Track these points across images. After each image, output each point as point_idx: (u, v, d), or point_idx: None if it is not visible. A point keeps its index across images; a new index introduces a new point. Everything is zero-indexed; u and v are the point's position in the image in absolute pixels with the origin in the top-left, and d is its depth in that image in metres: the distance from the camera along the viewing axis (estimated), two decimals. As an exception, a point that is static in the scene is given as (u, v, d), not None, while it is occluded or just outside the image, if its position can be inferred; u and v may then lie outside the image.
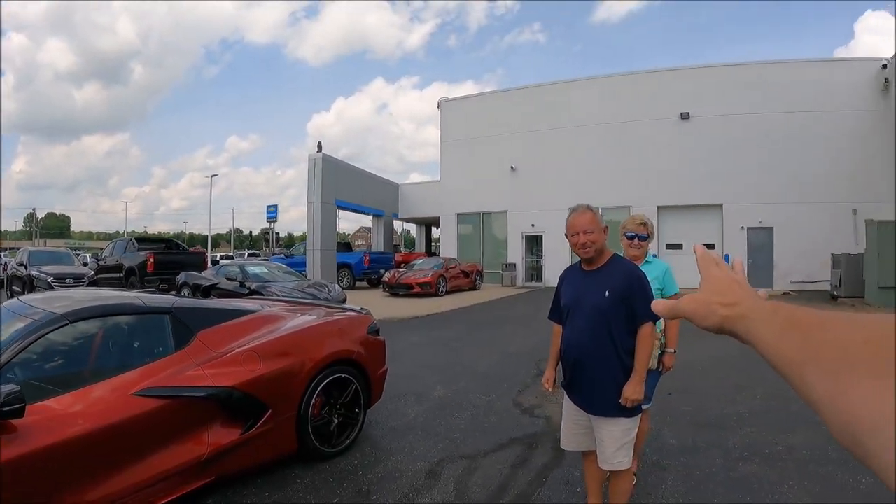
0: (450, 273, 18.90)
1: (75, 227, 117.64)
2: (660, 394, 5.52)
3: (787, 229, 18.85)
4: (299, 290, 11.76)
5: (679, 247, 20.18)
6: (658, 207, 20.22)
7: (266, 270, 13.46)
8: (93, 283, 15.59)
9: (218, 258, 33.35)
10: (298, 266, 20.93)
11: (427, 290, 17.56)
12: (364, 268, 22.07)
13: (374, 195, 26.15)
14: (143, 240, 19.62)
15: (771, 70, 19.33)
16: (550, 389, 3.08)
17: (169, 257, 16.76)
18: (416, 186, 30.33)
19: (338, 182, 21.34)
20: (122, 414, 3.10)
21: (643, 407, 3.37)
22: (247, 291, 11.80)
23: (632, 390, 2.70)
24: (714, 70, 20.19)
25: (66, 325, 3.37)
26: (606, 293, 2.73)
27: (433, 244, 36.29)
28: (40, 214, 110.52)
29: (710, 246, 19.67)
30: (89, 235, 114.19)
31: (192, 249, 23.00)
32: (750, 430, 4.69)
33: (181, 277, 14.29)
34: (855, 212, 18.17)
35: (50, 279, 14.65)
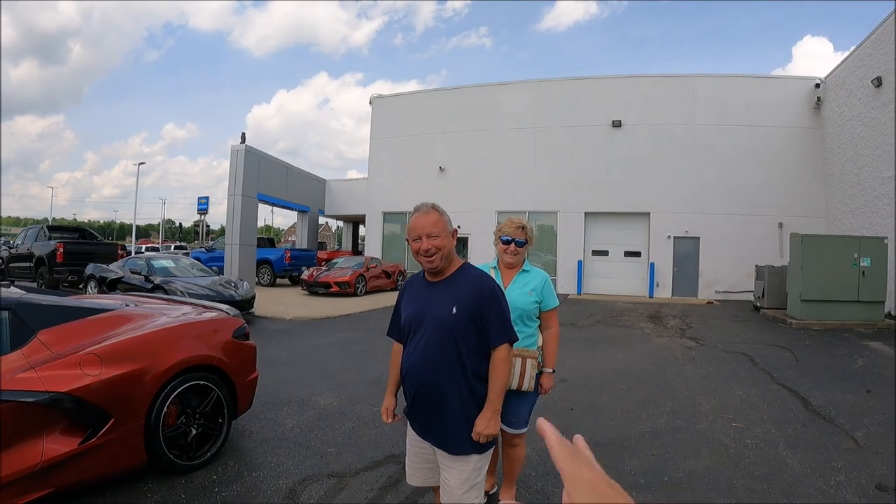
0: (370, 273, 18.52)
1: (3, 212, 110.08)
2: (560, 409, 5.55)
3: (714, 240, 19.36)
4: (204, 287, 11.14)
5: (605, 253, 20.54)
6: (585, 213, 20.50)
7: (173, 265, 12.74)
8: (1, 271, 14.34)
9: (136, 251, 31.72)
10: (218, 261, 20.08)
11: (345, 290, 17.15)
12: (285, 265, 21.46)
13: (301, 190, 25.41)
14: (56, 228, 18.28)
15: (705, 83, 19.82)
16: (390, 421, 2.61)
17: (80, 247, 15.77)
18: (344, 183, 29.71)
19: (261, 175, 20.59)
20: None
21: (519, 431, 3.21)
22: (150, 286, 11.16)
23: (485, 424, 2.28)
24: (647, 80, 20.53)
25: None
26: (454, 309, 2.30)
27: (360, 243, 35.71)
28: None
29: (636, 254, 20.13)
30: (17, 221, 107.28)
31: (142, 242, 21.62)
32: (651, 453, 4.37)
33: (89, 269, 13.38)
34: (781, 225, 18.82)
35: None
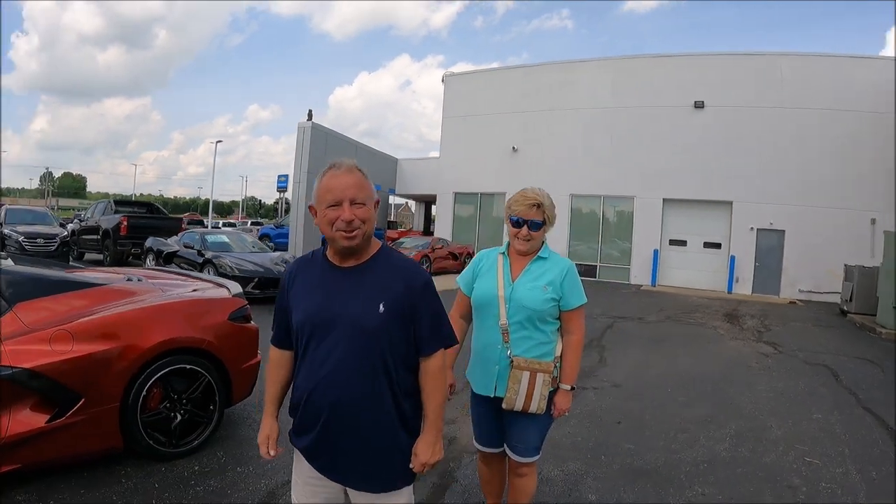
0: (436, 254, 18.17)
1: (91, 188, 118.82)
2: (606, 422, 4.84)
3: (800, 234, 17.72)
4: (256, 263, 11.10)
5: (683, 243, 19.28)
6: (664, 200, 19.31)
7: (227, 240, 12.84)
8: (65, 243, 14.94)
9: (213, 225, 32.89)
10: (286, 237, 20.31)
11: (409, 271, 16.85)
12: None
13: (370, 169, 24.96)
14: (123, 202, 19.05)
15: (792, 62, 18.08)
16: (272, 454, 1.91)
17: (143, 221, 16.18)
18: (416, 162, 29.47)
19: (329, 153, 20.58)
20: None
21: (527, 460, 2.55)
22: (201, 260, 11.32)
23: (429, 451, 1.81)
24: (732, 58, 18.94)
25: None
26: (381, 306, 1.73)
27: (432, 223, 35.57)
28: (57, 174, 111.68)
29: (716, 245, 18.77)
30: (105, 196, 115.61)
31: (188, 215, 22.39)
32: (701, 490, 3.59)
33: (148, 242, 13.77)
34: (874, 221, 17.03)
35: (21, 238, 14.07)
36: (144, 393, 3.47)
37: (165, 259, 12.46)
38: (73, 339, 3.25)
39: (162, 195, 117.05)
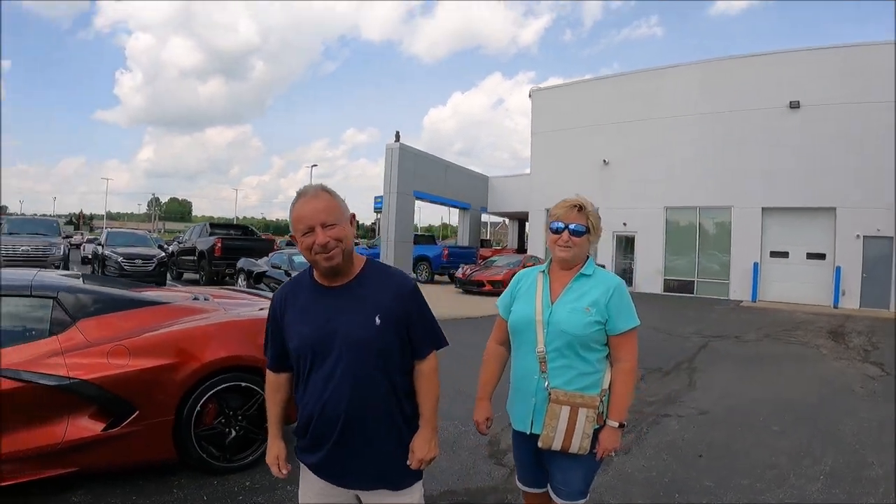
0: (527, 272, 17.93)
1: (196, 212, 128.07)
2: (686, 454, 4.45)
3: (912, 240, 15.89)
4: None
5: (785, 255, 17.92)
6: (762, 209, 18.10)
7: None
8: (162, 264, 16.01)
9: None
10: (377, 258, 20.80)
11: (499, 289, 16.70)
12: (443, 262, 21.64)
13: (461, 187, 25.55)
14: (219, 225, 20.27)
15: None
16: (283, 473, 1.98)
17: (237, 243, 17.11)
18: (506, 179, 29.40)
19: (417, 173, 20.97)
20: None
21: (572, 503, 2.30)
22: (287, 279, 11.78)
23: (426, 447, 1.90)
24: (827, 53, 17.42)
25: None
26: (377, 319, 1.81)
27: (526, 240, 35.27)
28: (164, 199, 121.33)
29: (820, 256, 17.30)
30: (209, 219, 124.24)
31: (264, 236, 23.54)
32: None
33: (240, 263, 14.54)
34: None
35: (120, 259, 15.24)
36: (199, 408, 3.60)
37: (255, 279, 13.10)
38: (129, 354, 3.44)
39: (264, 218, 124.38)
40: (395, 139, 20.24)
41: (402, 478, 1.90)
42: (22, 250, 14.57)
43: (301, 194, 1.82)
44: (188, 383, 3.57)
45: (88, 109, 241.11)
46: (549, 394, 2.14)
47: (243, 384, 3.80)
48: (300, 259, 13.14)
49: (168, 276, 16.79)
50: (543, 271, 2.33)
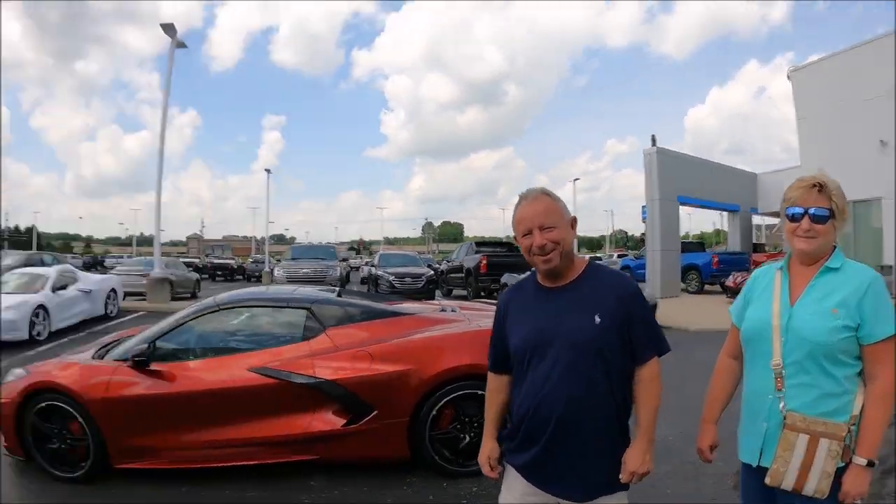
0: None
1: (468, 232, 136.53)
2: None
3: None
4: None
5: None
6: None
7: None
8: (431, 281, 17.38)
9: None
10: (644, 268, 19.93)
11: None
12: (713, 270, 19.75)
13: (726, 188, 22.94)
14: (484, 243, 21.34)
15: None
16: (494, 474, 1.99)
17: (501, 259, 17.66)
18: (776, 175, 25.39)
19: (679, 176, 19.50)
20: (235, 382, 3.79)
21: None
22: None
23: (639, 460, 1.78)
24: None
25: (216, 310, 4.28)
26: (597, 318, 1.77)
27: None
28: (436, 223, 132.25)
29: None
30: (479, 239, 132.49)
31: None
32: None
33: (504, 278, 15.10)
34: None
35: (392, 278, 16.97)
36: (434, 412, 3.80)
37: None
38: (371, 359, 3.81)
39: None
40: (651, 144, 19.23)
41: (608, 489, 1.81)
42: (303, 273, 17.30)
43: (523, 197, 1.88)
44: (425, 388, 3.78)
45: (360, 148, 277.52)
46: (785, 418, 1.75)
47: (480, 392, 3.78)
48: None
49: (438, 292, 18.16)
50: (781, 268, 1.93)
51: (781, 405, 1.76)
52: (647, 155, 19.17)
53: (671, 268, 19.01)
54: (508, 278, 14.79)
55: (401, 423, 3.76)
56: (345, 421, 3.73)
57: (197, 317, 4.22)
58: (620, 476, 1.79)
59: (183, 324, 4.16)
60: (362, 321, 4.21)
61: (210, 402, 3.77)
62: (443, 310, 4.97)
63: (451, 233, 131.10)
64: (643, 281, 18.85)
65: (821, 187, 1.79)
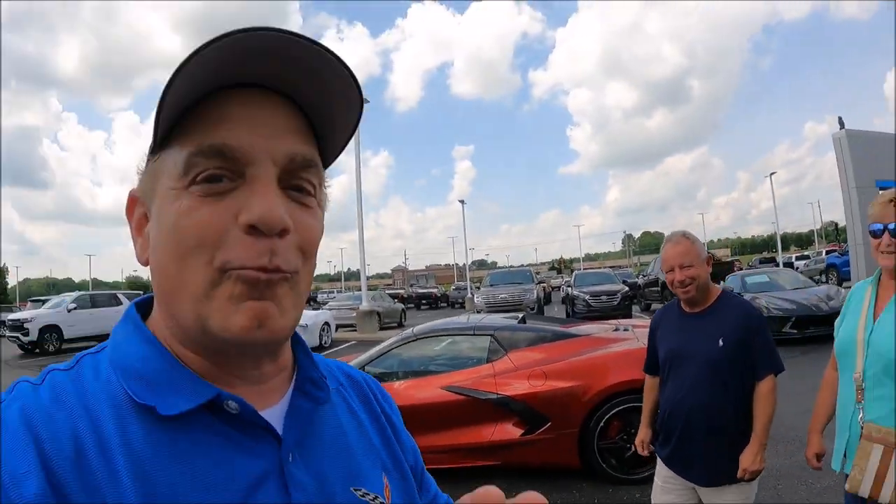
0: None
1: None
2: None
3: None
4: (792, 301, 10.38)
5: None
6: None
7: (768, 279, 12.49)
8: (626, 297, 17.13)
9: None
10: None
11: None
12: (927, 263, 17.08)
13: None
14: None
15: None
16: (646, 452, 2.61)
17: None
18: None
19: (876, 159, 17.36)
20: (431, 399, 4.44)
21: None
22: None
23: (751, 459, 2.15)
24: None
25: (414, 340, 5.05)
26: (720, 341, 2.21)
27: None
28: (636, 235, 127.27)
29: None
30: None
31: (727, 258, 22.60)
32: None
33: None
34: None
35: (587, 297, 17.02)
36: (602, 424, 4.20)
37: None
38: (545, 377, 4.34)
39: (739, 237, 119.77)
40: (839, 126, 17.39)
41: (728, 480, 2.21)
42: (501, 298, 18.06)
43: (667, 240, 2.38)
44: (593, 402, 4.22)
45: (553, 167, 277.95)
46: (862, 428, 1.86)
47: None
48: (753, 280, 12.61)
49: (637, 307, 17.75)
50: (872, 283, 2.02)
51: (861, 416, 1.88)
52: (837, 140, 17.39)
53: (873, 264, 16.97)
54: None
55: (571, 433, 4.19)
56: (522, 431, 4.24)
57: (399, 346, 5.02)
58: (739, 473, 2.15)
59: (387, 352, 4.98)
60: (539, 344, 4.74)
61: (410, 415, 4.54)
62: (616, 329, 5.36)
63: (653, 243, 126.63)
64: (848, 279, 17.13)
65: None
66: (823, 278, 23.21)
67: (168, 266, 0.50)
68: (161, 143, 0.51)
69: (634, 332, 5.06)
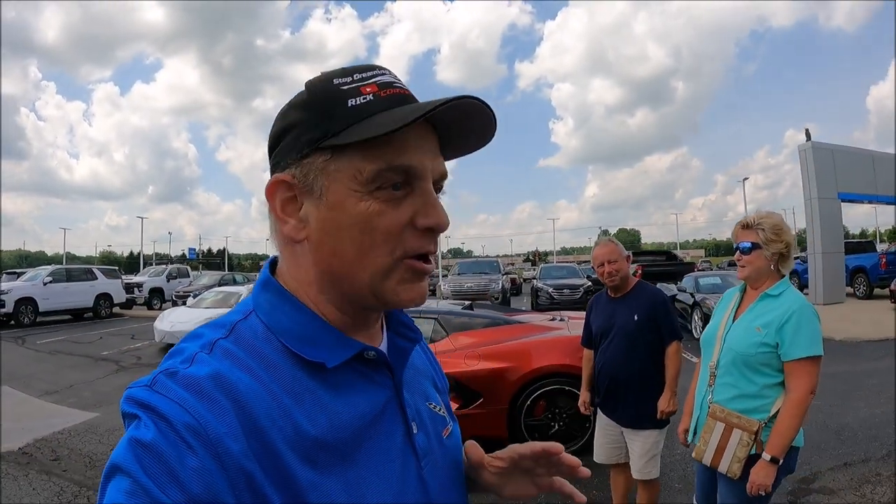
0: None
1: (646, 239, 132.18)
2: None
3: None
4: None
5: None
6: None
7: (719, 281, 13.02)
8: (588, 291, 17.39)
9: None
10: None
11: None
12: (881, 272, 17.83)
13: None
14: (642, 252, 21.10)
15: None
16: (586, 411, 3.39)
17: (657, 268, 17.58)
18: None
19: (839, 172, 17.97)
20: None
21: None
22: (691, 302, 11.97)
23: (665, 402, 2.94)
24: None
25: None
26: (635, 317, 3.01)
27: None
28: (612, 231, 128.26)
29: None
30: (660, 246, 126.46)
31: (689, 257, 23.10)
32: None
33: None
34: None
35: (551, 290, 17.57)
36: (529, 403, 4.68)
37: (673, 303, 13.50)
38: (479, 358, 4.78)
39: (714, 238, 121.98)
40: (805, 138, 18.00)
41: (642, 422, 3.00)
42: (467, 287, 18.41)
43: (597, 243, 3.23)
44: (520, 382, 4.69)
45: (533, 159, 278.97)
46: (709, 407, 2.23)
47: (567, 388, 4.66)
48: (705, 281, 13.17)
49: None
50: (740, 290, 2.40)
51: (710, 397, 2.26)
52: (802, 151, 18.05)
53: (834, 271, 17.69)
54: (661, 288, 14.65)
55: (501, 410, 4.66)
56: (457, 406, 4.65)
57: None
58: (658, 415, 2.93)
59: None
60: (478, 328, 5.24)
61: None
62: (552, 319, 5.85)
63: (628, 240, 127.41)
64: (807, 286, 17.78)
65: (746, 225, 2.26)
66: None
67: (348, 250, 0.63)
68: (333, 148, 0.63)
69: (567, 323, 5.57)
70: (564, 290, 17.50)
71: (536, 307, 17.37)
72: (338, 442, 0.61)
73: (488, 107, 0.65)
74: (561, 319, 5.83)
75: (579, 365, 4.47)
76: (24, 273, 19.10)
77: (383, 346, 0.74)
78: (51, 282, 17.66)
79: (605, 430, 3.21)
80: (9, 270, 21.61)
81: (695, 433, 2.32)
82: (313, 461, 0.59)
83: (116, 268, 24.96)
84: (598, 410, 3.26)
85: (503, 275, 20.93)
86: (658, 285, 14.56)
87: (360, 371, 0.68)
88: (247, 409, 0.56)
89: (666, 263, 18.32)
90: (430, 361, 0.92)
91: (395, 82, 0.66)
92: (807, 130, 18.15)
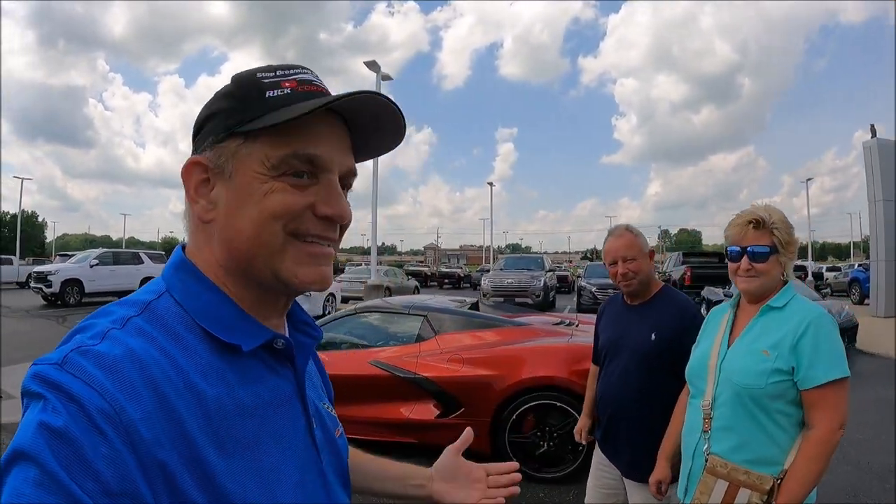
0: None
1: (707, 240, 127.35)
2: None
3: None
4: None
5: None
6: None
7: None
8: None
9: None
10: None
11: None
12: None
13: None
14: (693, 253, 20.26)
15: None
16: (583, 441, 2.60)
17: (708, 271, 16.68)
18: None
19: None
20: (358, 371, 4.56)
21: None
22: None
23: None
24: None
25: (354, 314, 5.23)
26: (653, 335, 2.21)
27: None
28: (673, 231, 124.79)
29: None
30: (721, 248, 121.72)
31: None
32: None
33: (704, 292, 14.38)
34: None
35: (594, 289, 17.02)
36: (514, 418, 4.18)
37: (708, 306, 12.93)
38: (462, 363, 4.41)
39: None
40: (871, 135, 16.61)
41: (646, 475, 2.10)
42: (507, 283, 17.93)
43: (610, 233, 2.40)
44: (505, 394, 4.22)
45: (595, 156, 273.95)
46: (706, 461, 1.70)
47: (558, 404, 4.15)
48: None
49: None
50: (731, 308, 1.88)
51: (706, 447, 1.72)
52: (867, 148, 16.66)
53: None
54: (707, 292, 14.07)
55: (484, 421, 4.15)
56: (438, 413, 4.33)
57: (341, 318, 5.20)
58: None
59: (328, 323, 5.10)
60: (469, 329, 4.81)
61: (338, 384, 4.78)
62: (559, 323, 5.39)
63: (688, 241, 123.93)
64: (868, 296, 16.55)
65: (757, 223, 1.72)
66: (848, 292, 22.52)
67: (246, 227, 0.64)
68: (246, 133, 0.64)
69: (575, 329, 5.06)
70: (608, 290, 16.63)
71: (580, 307, 16.87)
72: (246, 430, 0.61)
73: (394, 104, 0.68)
74: (570, 324, 5.35)
75: (575, 379, 4.08)
76: (74, 255, 19.80)
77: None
78: (97, 264, 18.24)
79: (600, 470, 2.44)
80: (61, 253, 22.44)
81: (686, 491, 1.80)
82: (223, 447, 0.58)
83: (163, 253, 25.64)
84: (597, 444, 2.51)
85: (547, 272, 20.32)
86: (706, 289, 14.39)
87: (265, 361, 0.68)
88: (161, 392, 0.55)
89: (718, 266, 17.18)
90: (320, 370, 0.91)
91: (314, 80, 0.69)
92: (872, 126, 16.67)
